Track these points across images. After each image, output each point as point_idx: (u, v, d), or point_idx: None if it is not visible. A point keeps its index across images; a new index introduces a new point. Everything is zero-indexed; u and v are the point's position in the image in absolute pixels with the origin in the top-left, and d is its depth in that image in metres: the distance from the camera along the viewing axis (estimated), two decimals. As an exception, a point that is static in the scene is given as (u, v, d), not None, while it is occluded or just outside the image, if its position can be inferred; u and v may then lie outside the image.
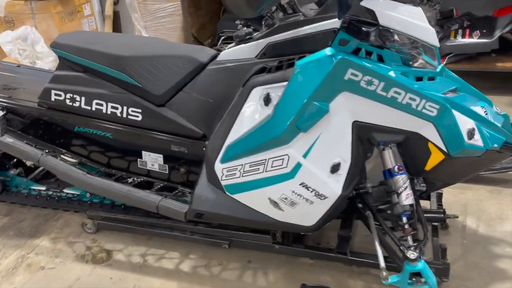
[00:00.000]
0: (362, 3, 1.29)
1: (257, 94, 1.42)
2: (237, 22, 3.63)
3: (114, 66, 1.67)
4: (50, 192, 2.09)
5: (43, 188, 2.10)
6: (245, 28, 1.61)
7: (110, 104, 1.72)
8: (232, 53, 1.58)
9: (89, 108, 1.74)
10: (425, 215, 1.69)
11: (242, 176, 1.46)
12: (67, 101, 1.76)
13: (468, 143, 1.34)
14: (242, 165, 1.45)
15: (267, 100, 1.39)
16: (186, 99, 1.64)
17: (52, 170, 1.80)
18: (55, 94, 1.77)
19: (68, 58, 1.75)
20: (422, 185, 1.61)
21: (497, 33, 2.90)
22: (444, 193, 1.89)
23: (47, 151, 1.83)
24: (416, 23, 1.37)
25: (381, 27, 1.33)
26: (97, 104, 1.73)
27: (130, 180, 1.87)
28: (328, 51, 1.32)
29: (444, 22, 3.18)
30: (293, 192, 1.41)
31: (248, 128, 1.42)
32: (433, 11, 3.38)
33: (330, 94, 1.33)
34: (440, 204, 1.83)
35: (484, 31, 2.94)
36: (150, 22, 3.90)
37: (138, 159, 1.79)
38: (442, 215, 1.73)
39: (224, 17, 3.65)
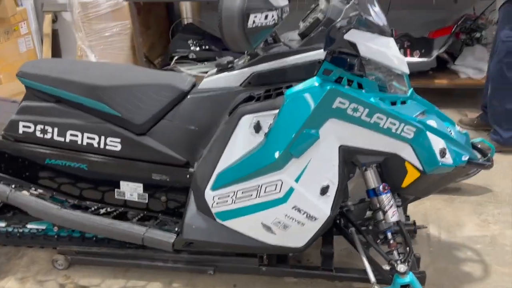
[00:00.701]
0: (345, 37, 1.38)
1: (246, 122, 1.45)
2: (190, 42, 3.64)
3: (91, 96, 1.62)
4: (11, 228, 1.94)
5: (2, 224, 1.95)
6: (225, 57, 1.63)
7: (86, 135, 1.66)
8: (214, 81, 1.60)
9: (62, 139, 1.67)
10: (398, 227, 1.82)
11: (234, 202, 1.48)
12: (38, 133, 1.67)
13: (441, 161, 1.48)
14: (234, 191, 1.47)
15: (257, 127, 1.44)
16: (168, 127, 1.64)
17: (23, 206, 1.69)
18: (24, 126, 1.67)
19: (37, 88, 1.66)
20: (397, 200, 1.73)
21: (435, 53, 3.19)
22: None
23: (14, 186, 1.72)
24: (390, 53, 1.49)
25: (361, 58, 1.44)
26: (71, 135, 1.66)
27: (103, 211, 1.81)
28: (316, 81, 1.40)
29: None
30: (286, 215, 1.46)
31: (240, 156, 1.46)
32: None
33: (319, 121, 1.40)
34: (407, 215, 1.97)
35: (423, 51, 3.22)
36: (96, 42, 3.78)
37: (116, 190, 1.74)
38: (413, 227, 1.87)
39: (176, 37, 3.64)
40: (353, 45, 1.41)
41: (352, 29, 1.39)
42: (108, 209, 1.80)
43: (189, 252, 1.76)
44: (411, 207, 2.17)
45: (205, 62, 3.45)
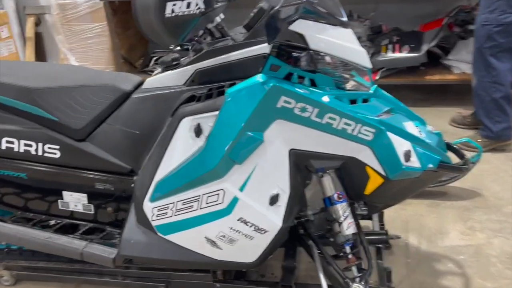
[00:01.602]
0: (291, 27, 1.23)
1: (186, 124, 1.31)
2: (170, 42, 3.48)
3: (25, 99, 1.50)
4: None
5: None
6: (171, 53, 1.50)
7: (22, 142, 1.53)
8: (158, 80, 1.46)
9: (-2, 146, 1.54)
10: (367, 237, 1.66)
11: (175, 215, 1.34)
12: (-29, 140, 1.55)
13: (405, 165, 1.32)
14: (174, 203, 1.33)
15: (198, 131, 1.29)
16: (109, 132, 1.50)
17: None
18: (-44, 133, 1.55)
19: (-31, 91, 1.54)
20: (363, 208, 1.56)
21: (425, 48, 3.01)
22: (385, 210, 1.87)
23: None
24: (347, 45, 1.33)
25: (312, 51, 1.28)
26: (7, 142, 1.54)
27: (52, 222, 1.68)
28: (259, 77, 1.25)
29: (374, 37, 3.27)
30: (231, 228, 1.31)
31: (179, 162, 1.31)
32: (364, 27, 3.49)
33: (263, 123, 1.25)
34: (382, 224, 1.81)
35: (413, 45, 3.04)
36: (75, 44, 3.69)
37: (59, 200, 1.61)
38: (385, 237, 1.70)
39: (155, 37, 3.51)
40: (301, 37, 1.26)
41: (299, 19, 1.24)
42: (56, 221, 1.68)
43: (139, 267, 1.62)
44: (390, 213, 2.00)
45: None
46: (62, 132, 1.51)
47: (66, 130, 1.51)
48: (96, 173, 1.53)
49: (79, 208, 1.61)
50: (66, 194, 1.59)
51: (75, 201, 1.60)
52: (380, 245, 1.70)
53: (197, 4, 1.12)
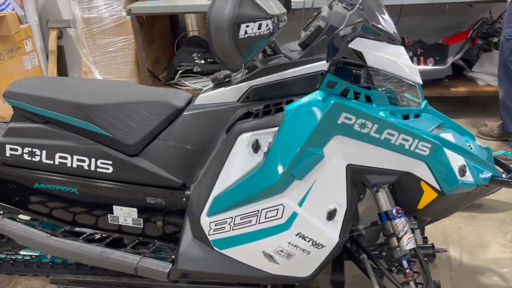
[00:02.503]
0: (350, 46, 1.25)
1: (244, 140, 1.33)
2: (194, 55, 3.56)
3: (79, 116, 1.52)
4: (3, 255, 1.84)
5: (-6, 251, 1.85)
6: (223, 71, 1.52)
7: (75, 157, 1.55)
8: (210, 97, 1.49)
9: (51, 162, 1.57)
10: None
11: (233, 229, 1.35)
12: (25, 156, 1.57)
13: (461, 180, 1.33)
14: (232, 217, 1.35)
15: (256, 147, 1.31)
16: (162, 147, 1.52)
17: (10, 234, 1.59)
18: (11, 149, 1.58)
19: (24, 108, 1.57)
20: (413, 222, 1.58)
21: (450, 60, 3.04)
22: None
23: (1, 212, 1.62)
24: (401, 62, 1.36)
25: (369, 68, 1.31)
26: (60, 157, 1.56)
27: (98, 236, 1.70)
28: (318, 95, 1.27)
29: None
30: (289, 243, 1.33)
31: (237, 178, 1.33)
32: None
33: (324, 139, 1.27)
34: (425, 238, 1.82)
35: (437, 58, 3.07)
36: (100, 57, 3.73)
37: (109, 215, 1.63)
38: (432, 251, 1.71)
39: (180, 50, 3.56)
40: (359, 55, 1.29)
41: (357, 37, 1.27)
42: (103, 235, 1.69)
43: (188, 281, 1.63)
44: (429, 227, 2.00)
45: (210, 76, 3.35)
46: (115, 148, 1.54)
47: (119, 145, 1.53)
48: (147, 187, 1.55)
49: (129, 223, 1.62)
50: (116, 209, 1.61)
51: (125, 216, 1.62)
52: (426, 259, 1.71)
53: (267, 25, 1.15)
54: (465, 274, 1.77)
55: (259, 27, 1.14)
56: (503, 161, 1.87)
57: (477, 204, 2.16)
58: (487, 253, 1.88)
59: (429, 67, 3.07)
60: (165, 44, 3.86)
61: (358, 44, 1.28)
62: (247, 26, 1.12)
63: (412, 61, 3.09)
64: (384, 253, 1.47)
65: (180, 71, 3.42)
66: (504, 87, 2.52)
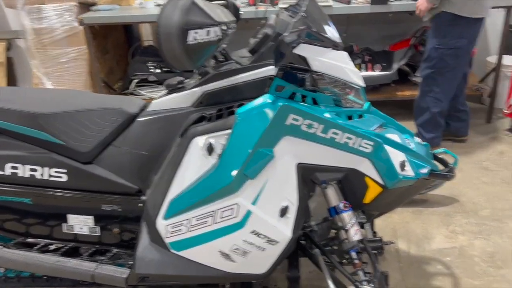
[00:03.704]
0: (295, 51, 1.33)
1: (198, 144, 1.37)
2: (149, 64, 3.56)
3: (31, 125, 1.51)
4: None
5: None
6: (177, 77, 1.56)
7: (28, 167, 1.54)
8: (164, 102, 1.52)
9: (1, 172, 1.54)
10: (364, 244, 1.76)
11: (189, 231, 1.39)
12: (-26, 167, 1.54)
13: (401, 174, 1.44)
14: (188, 219, 1.38)
15: (210, 149, 1.36)
16: (116, 154, 1.54)
17: (-41, 248, 1.54)
18: (-40, 161, 1.54)
19: (-27, 119, 1.54)
20: (362, 217, 1.67)
21: (395, 66, 3.21)
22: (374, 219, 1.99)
23: (-49, 226, 1.57)
24: (343, 66, 1.45)
25: (313, 72, 1.39)
26: (11, 167, 1.54)
27: (53, 247, 1.67)
28: (267, 98, 1.34)
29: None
30: (245, 241, 1.38)
31: (192, 180, 1.37)
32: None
33: (274, 140, 1.34)
34: (374, 232, 1.91)
35: (384, 64, 3.24)
36: (52, 68, 3.65)
37: (64, 224, 1.62)
38: (380, 243, 1.80)
39: (135, 60, 3.55)
40: (304, 60, 1.37)
41: (302, 43, 1.35)
42: (58, 245, 1.67)
43: (147, 286, 1.64)
44: (379, 222, 2.12)
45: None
46: (69, 156, 1.53)
47: (73, 153, 1.53)
48: (103, 194, 1.56)
49: (85, 231, 1.62)
50: (72, 217, 1.60)
51: (80, 224, 1.61)
52: (375, 251, 1.80)
53: (215, 32, 1.20)
54: (412, 265, 1.89)
55: (208, 33, 1.19)
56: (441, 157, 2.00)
57: (423, 199, 2.31)
58: (432, 244, 2.01)
59: (377, 73, 3.23)
60: (120, 54, 3.84)
61: (303, 50, 1.36)
62: (195, 33, 1.17)
63: (361, 68, 3.27)
64: (335, 247, 1.55)
65: (135, 81, 3.42)
66: (423, 90, 2.68)
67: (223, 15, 1.27)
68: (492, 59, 3.29)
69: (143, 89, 3.43)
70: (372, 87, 3.28)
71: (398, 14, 2.93)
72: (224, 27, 1.24)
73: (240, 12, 1.62)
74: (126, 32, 3.93)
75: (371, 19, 3.43)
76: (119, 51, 3.82)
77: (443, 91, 2.62)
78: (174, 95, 1.51)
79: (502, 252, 1.94)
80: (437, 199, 2.31)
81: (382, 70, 3.23)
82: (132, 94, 3.46)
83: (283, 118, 1.32)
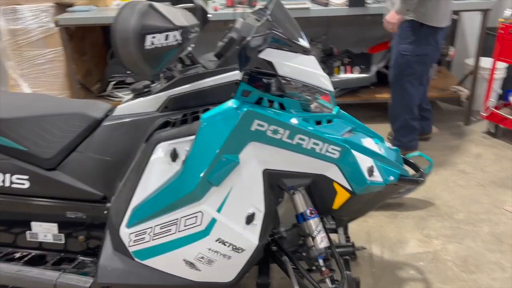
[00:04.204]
0: (260, 56, 1.31)
1: (162, 150, 1.34)
2: (127, 66, 3.48)
3: (-9, 130, 1.47)
4: None
5: None
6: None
7: (-13, 173, 1.49)
8: (129, 107, 1.49)
9: (-39, 180, 1.49)
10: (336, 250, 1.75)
11: (153, 239, 1.36)
12: None
13: (369, 180, 1.42)
14: (151, 227, 1.35)
15: (174, 155, 1.33)
16: (80, 160, 1.50)
17: None
18: None
19: None
20: (331, 222, 1.65)
21: (374, 69, 3.21)
22: (348, 223, 1.97)
23: None
24: (311, 71, 1.43)
25: (280, 77, 1.37)
26: (-29, 175, 1.49)
27: (17, 255, 1.63)
28: (232, 103, 1.31)
29: (326, 59, 3.44)
30: (210, 249, 1.35)
31: (156, 187, 1.34)
32: (316, 50, 3.65)
33: (238, 146, 1.31)
34: (347, 237, 1.90)
35: (363, 67, 3.23)
36: (28, 70, 3.58)
37: (27, 231, 1.57)
38: (352, 249, 1.79)
39: (112, 62, 3.50)
40: (270, 65, 1.35)
41: (267, 48, 1.33)
42: (23, 253, 1.63)
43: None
44: (354, 226, 2.11)
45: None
46: (32, 162, 1.49)
47: (36, 159, 1.49)
48: (67, 201, 1.52)
49: (49, 239, 1.58)
50: (35, 225, 1.56)
51: (44, 232, 1.57)
52: (347, 257, 1.79)
53: (174, 36, 1.17)
54: (385, 270, 1.88)
55: (166, 38, 1.16)
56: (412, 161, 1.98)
57: (398, 203, 2.30)
58: (406, 248, 2.00)
59: (356, 75, 3.23)
60: (98, 56, 3.78)
61: (269, 54, 1.34)
62: (153, 37, 1.14)
63: (340, 70, 3.26)
64: (304, 253, 1.53)
65: (113, 83, 3.36)
66: (394, 97, 2.69)
67: (184, 19, 1.24)
68: (471, 61, 3.31)
69: (121, 91, 3.38)
70: (351, 89, 3.27)
71: (377, 16, 2.92)
72: (184, 31, 1.21)
73: (208, 15, 1.60)
74: (104, 33, 3.88)
75: (351, 22, 3.42)
76: (97, 53, 3.77)
77: (412, 98, 2.63)
78: (139, 99, 1.48)
79: (475, 257, 1.94)
80: (413, 203, 2.31)
81: (361, 72, 3.23)
82: (109, 96, 3.41)
83: (248, 124, 1.30)
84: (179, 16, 1.21)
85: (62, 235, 1.57)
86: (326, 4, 2.96)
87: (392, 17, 2.41)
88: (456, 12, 3.54)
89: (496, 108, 3.02)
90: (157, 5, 1.15)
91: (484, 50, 3.09)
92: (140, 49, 1.13)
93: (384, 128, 2.89)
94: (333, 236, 1.90)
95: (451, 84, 3.41)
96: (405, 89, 2.61)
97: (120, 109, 1.50)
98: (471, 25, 3.60)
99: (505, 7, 3.10)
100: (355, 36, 3.64)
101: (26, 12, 3.46)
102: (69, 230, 1.57)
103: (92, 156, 1.49)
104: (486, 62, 3.12)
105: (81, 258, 1.59)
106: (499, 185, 2.48)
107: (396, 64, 2.60)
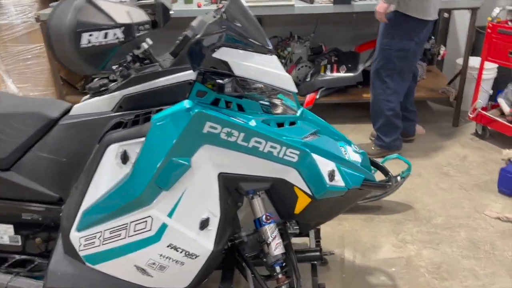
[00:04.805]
0: (214, 55, 1.26)
1: (113, 151, 1.30)
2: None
3: None
4: None
5: None
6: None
7: None
8: (86, 106, 1.44)
9: None
10: (302, 255, 1.70)
11: (103, 244, 1.31)
12: None
13: (330, 184, 1.37)
14: (101, 232, 1.31)
15: (124, 158, 1.28)
16: (35, 160, 1.46)
17: None
18: None
19: None
20: (295, 227, 1.60)
21: (360, 67, 3.15)
22: (323, 225, 1.92)
23: None
24: (272, 71, 1.37)
25: (237, 78, 1.32)
26: None
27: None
28: (185, 103, 1.26)
29: (314, 57, 3.38)
30: (161, 255, 1.31)
31: (105, 190, 1.29)
32: (304, 47, 3.58)
33: (190, 148, 1.26)
34: (318, 241, 1.85)
35: (350, 65, 3.17)
36: (13, 66, 3.55)
37: (-17, 233, 1.54)
38: (319, 254, 1.74)
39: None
40: (225, 64, 1.29)
41: (222, 47, 1.28)
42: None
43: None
44: (328, 229, 2.06)
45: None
46: (-16, 162, 1.45)
47: (-12, 160, 1.45)
48: (22, 203, 1.48)
49: (5, 240, 1.54)
50: (-10, 226, 1.52)
51: (0, 233, 1.53)
52: (315, 262, 1.74)
53: (115, 34, 1.12)
54: (355, 276, 1.83)
55: (105, 36, 1.11)
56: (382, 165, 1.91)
57: (376, 205, 2.24)
58: (378, 253, 1.95)
59: (342, 74, 3.16)
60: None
61: (225, 54, 1.28)
62: (90, 35, 1.09)
63: (326, 69, 3.20)
64: (264, 260, 1.48)
65: (96, 79, 3.31)
66: (374, 93, 2.65)
67: (129, 16, 1.19)
68: (461, 61, 3.23)
69: (105, 88, 3.33)
70: (338, 88, 3.21)
71: (364, 14, 2.86)
72: (126, 29, 1.15)
73: (171, 12, 1.54)
74: (91, 29, 3.83)
75: (341, 19, 3.36)
76: (83, 49, 3.72)
77: (392, 92, 2.58)
78: (96, 98, 1.43)
79: (449, 263, 1.89)
80: (391, 206, 2.25)
81: (347, 71, 3.16)
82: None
83: (199, 126, 1.25)
84: (123, 12, 1.16)
85: (19, 237, 1.53)
86: (312, 1, 2.90)
87: (380, 6, 2.38)
88: (447, 11, 3.47)
89: (484, 109, 2.95)
90: (98, 0, 1.10)
91: (476, 49, 3.02)
92: (75, 48, 1.08)
93: (370, 128, 2.83)
94: (305, 240, 1.86)
95: (442, 84, 3.34)
96: (386, 83, 2.56)
97: (76, 109, 1.46)
98: (463, 24, 3.52)
99: (499, 4, 3.04)
100: (345, 34, 3.58)
101: (11, 7, 3.42)
102: (26, 232, 1.53)
103: (47, 157, 1.45)
104: (476, 62, 3.05)
105: (39, 260, 1.55)
106: (482, 189, 2.42)
107: (377, 58, 2.56)
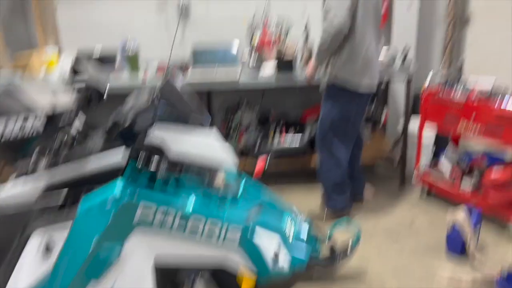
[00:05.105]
0: (147, 139, 1.22)
1: (37, 239, 1.19)
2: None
3: None
4: None
5: None
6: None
7: None
8: (9, 193, 1.34)
9: None
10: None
11: None
12: None
13: (273, 269, 1.32)
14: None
15: (49, 246, 1.18)
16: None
17: None
18: None
19: None
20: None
21: (306, 137, 3.20)
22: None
23: None
24: (208, 154, 1.34)
25: (170, 158, 1.28)
26: None
27: None
28: (117, 184, 1.20)
29: (263, 123, 3.42)
30: None
31: (26, 285, 1.17)
32: (253, 113, 3.60)
33: (122, 233, 1.18)
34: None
35: (297, 133, 3.22)
36: None
37: None
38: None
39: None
40: (157, 146, 1.26)
41: (156, 127, 1.25)
42: None
43: None
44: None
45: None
46: None
47: None
48: None
49: None
50: None
51: None
52: None
53: (32, 126, 1.07)
54: None
55: (22, 127, 1.05)
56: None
57: (329, 273, 2.18)
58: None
59: (287, 145, 3.21)
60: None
61: (158, 137, 1.25)
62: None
63: (274, 138, 3.23)
64: None
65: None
66: (322, 158, 2.68)
67: (52, 104, 1.14)
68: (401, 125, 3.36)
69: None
70: (287, 156, 3.24)
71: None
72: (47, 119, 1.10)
73: (104, 94, 1.50)
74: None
75: (287, 86, 3.45)
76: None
77: (336, 160, 2.62)
78: (22, 178, 1.34)
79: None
80: (345, 273, 2.19)
81: (294, 140, 3.22)
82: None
83: (131, 210, 1.18)
84: (46, 100, 1.12)
85: None
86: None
87: (307, 71, 2.52)
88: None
89: (426, 172, 3.03)
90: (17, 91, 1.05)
91: (418, 108, 3.12)
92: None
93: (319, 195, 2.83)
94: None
95: (386, 148, 3.44)
96: (329, 151, 2.61)
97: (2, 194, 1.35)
98: (402, 87, 3.68)
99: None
100: (293, 99, 3.66)
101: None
102: None
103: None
104: (415, 125, 3.17)
105: None
106: (432, 250, 2.42)
107: (319, 127, 2.61)
